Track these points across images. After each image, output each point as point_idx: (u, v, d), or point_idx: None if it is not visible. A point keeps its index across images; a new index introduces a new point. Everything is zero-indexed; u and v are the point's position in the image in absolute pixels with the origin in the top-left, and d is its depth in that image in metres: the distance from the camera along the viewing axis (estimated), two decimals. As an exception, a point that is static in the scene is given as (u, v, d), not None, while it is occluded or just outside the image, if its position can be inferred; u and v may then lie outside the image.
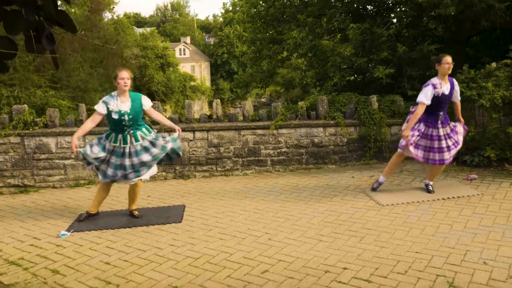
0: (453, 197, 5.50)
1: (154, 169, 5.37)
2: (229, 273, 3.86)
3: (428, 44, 7.81)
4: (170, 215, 5.49)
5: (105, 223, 5.32)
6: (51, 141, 6.97)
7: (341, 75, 8.16)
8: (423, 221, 4.83)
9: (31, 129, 6.93)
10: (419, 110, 5.36)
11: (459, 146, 5.62)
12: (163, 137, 5.33)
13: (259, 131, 7.25)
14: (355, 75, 9.49)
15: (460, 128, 5.64)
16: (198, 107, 50.33)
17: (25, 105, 7.05)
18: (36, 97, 7.26)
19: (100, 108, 5.08)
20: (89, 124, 5.16)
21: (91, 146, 5.17)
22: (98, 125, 5.45)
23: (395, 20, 9.51)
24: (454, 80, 5.51)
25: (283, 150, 7.32)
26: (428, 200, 5.47)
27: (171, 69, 45.97)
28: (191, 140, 7.19)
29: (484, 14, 7.51)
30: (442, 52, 9.71)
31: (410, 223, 4.78)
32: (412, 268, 3.74)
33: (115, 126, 5.10)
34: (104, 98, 5.18)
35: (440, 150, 5.48)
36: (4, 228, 5.34)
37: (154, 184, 7.05)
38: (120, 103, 5.06)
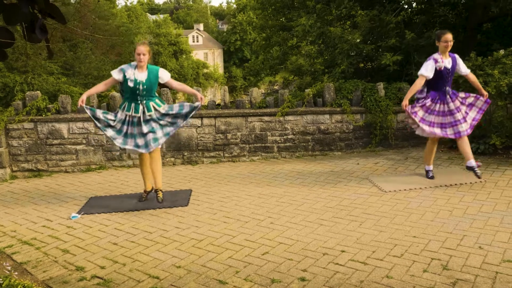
0: (456, 184, 5.55)
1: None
2: (231, 255, 4.00)
3: (436, 30, 7.76)
4: (177, 199, 5.65)
5: (114, 206, 5.50)
6: (63, 127, 7.16)
7: (349, 62, 8.19)
8: (423, 207, 4.90)
9: (44, 115, 7.13)
10: (418, 82, 5.49)
11: (472, 117, 5.58)
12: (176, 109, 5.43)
13: (266, 118, 7.34)
14: (364, 62, 9.49)
15: (471, 99, 5.59)
16: (211, 95, 50.50)
17: (38, 92, 7.24)
18: (49, 84, 7.44)
19: (116, 73, 5.26)
20: (101, 86, 5.43)
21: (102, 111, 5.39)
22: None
23: (406, 6, 9.46)
24: (456, 55, 5.55)
25: (289, 136, 7.41)
26: (430, 187, 5.53)
27: (184, 56, 46.12)
28: (199, 127, 7.32)
29: (495, 0, 7.44)
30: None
31: (411, 209, 4.86)
32: (408, 252, 3.83)
33: (130, 95, 5.25)
34: (123, 66, 5.36)
35: (455, 123, 5.51)
36: (18, 210, 5.56)
37: (162, 169, 7.19)
38: (137, 73, 5.22)
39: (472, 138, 6.82)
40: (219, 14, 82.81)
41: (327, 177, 6.30)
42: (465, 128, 5.47)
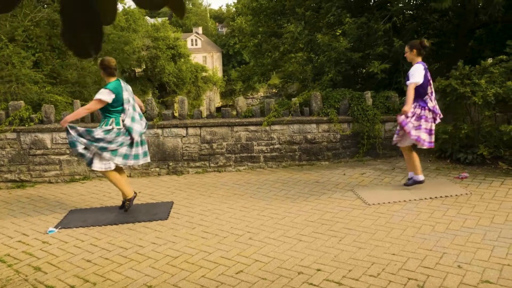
0: (441, 197, 5.45)
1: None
2: (204, 273, 3.90)
3: (423, 38, 7.67)
4: (158, 211, 5.55)
5: (93, 219, 5.40)
6: (46, 137, 7.07)
7: (337, 71, 8.09)
8: (406, 221, 4.80)
9: (27, 125, 7.04)
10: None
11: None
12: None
13: (252, 127, 7.25)
14: (354, 70, 9.39)
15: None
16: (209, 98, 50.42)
17: (21, 101, 7.16)
18: (33, 93, 7.35)
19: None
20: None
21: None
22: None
23: (397, 13, 9.36)
24: (417, 64, 5.49)
25: (276, 146, 7.31)
26: (415, 199, 5.43)
27: (182, 60, 46.00)
28: (184, 136, 7.23)
29: (483, 7, 7.35)
30: (442, 45, 9.61)
31: (393, 223, 4.76)
32: (385, 271, 3.73)
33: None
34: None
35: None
36: (-4, 223, 5.46)
37: (147, 180, 7.12)
38: None
39: (460, 147, 6.73)
40: (218, 17, 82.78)
41: (312, 188, 6.20)
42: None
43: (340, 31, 9.60)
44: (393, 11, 7.90)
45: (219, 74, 55.83)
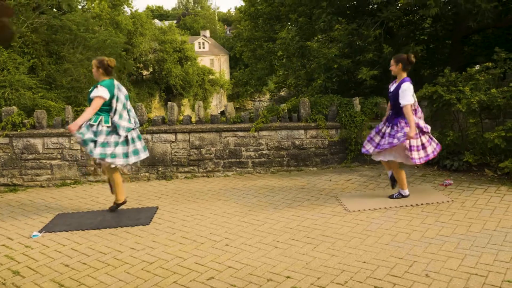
0: (422, 204, 5.46)
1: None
2: (176, 279, 3.96)
3: (414, 45, 7.70)
4: (141, 217, 5.63)
5: (77, 224, 5.49)
6: (38, 142, 7.20)
7: (326, 77, 8.13)
8: (383, 228, 4.82)
9: (19, 130, 7.17)
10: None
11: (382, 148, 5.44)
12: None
13: (240, 133, 7.31)
14: (347, 76, 9.42)
15: (400, 134, 5.24)
16: (217, 101, 50.65)
17: (14, 107, 7.30)
18: (26, 99, 7.49)
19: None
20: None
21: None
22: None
23: (390, 18, 9.37)
24: (405, 83, 5.15)
25: (264, 152, 7.36)
26: (395, 207, 5.44)
27: (189, 63, 46.23)
28: (173, 142, 7.31)
29: (473, 14, 7.35)
30: (436, 50, 9.60)
31: (370, 231, 4.78)
32: (353, 279, 3.76)
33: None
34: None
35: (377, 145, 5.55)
36: (-17, 227, 5.57)
37: (136, 184, 7.21)
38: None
39: (447, 154, 6.73)
40: (227, 20, 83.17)
41: (296, 194, 6.23)
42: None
43: (332, 37, 9.64)
44: (383, 17, 7.92)
45: (226, 77, 56.00)
